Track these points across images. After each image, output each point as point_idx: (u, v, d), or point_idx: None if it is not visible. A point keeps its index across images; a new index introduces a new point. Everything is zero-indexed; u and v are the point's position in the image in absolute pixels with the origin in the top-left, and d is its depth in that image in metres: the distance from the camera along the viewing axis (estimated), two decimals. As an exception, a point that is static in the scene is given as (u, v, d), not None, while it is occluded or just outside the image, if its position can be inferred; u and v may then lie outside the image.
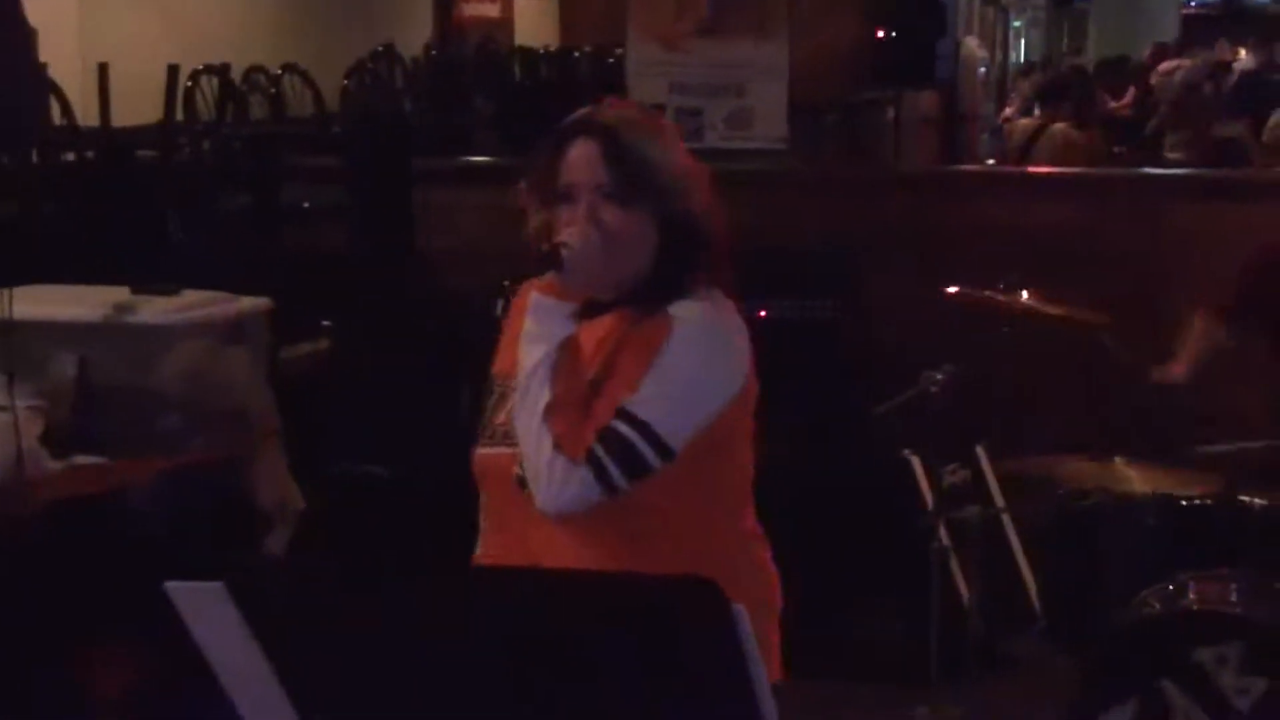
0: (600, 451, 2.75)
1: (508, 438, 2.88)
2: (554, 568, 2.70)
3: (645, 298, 2.89)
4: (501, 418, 2.93)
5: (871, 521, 5.49)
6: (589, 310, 2.89)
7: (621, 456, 2.75)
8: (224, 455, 5.02)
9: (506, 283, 2.86)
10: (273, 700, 2.07)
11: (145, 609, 2.27)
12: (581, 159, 2.87)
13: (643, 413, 2.77)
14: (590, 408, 2.80)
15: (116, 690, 4.45)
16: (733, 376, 2.89)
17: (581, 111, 2.96)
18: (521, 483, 2.83)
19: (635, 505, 2.81)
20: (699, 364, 2.84)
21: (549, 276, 2.81)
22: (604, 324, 2.90)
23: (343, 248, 7.14)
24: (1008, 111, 15.57)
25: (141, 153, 7.81)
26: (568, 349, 2.83)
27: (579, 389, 2.82)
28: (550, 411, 2.78)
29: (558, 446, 2.75)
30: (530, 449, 2.79)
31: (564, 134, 2.92)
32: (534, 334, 2.83)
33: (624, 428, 2.76)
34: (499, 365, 3.02)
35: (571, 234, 2.82)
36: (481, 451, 2.96)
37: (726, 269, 2.96)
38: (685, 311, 2.85)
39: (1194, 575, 4.20)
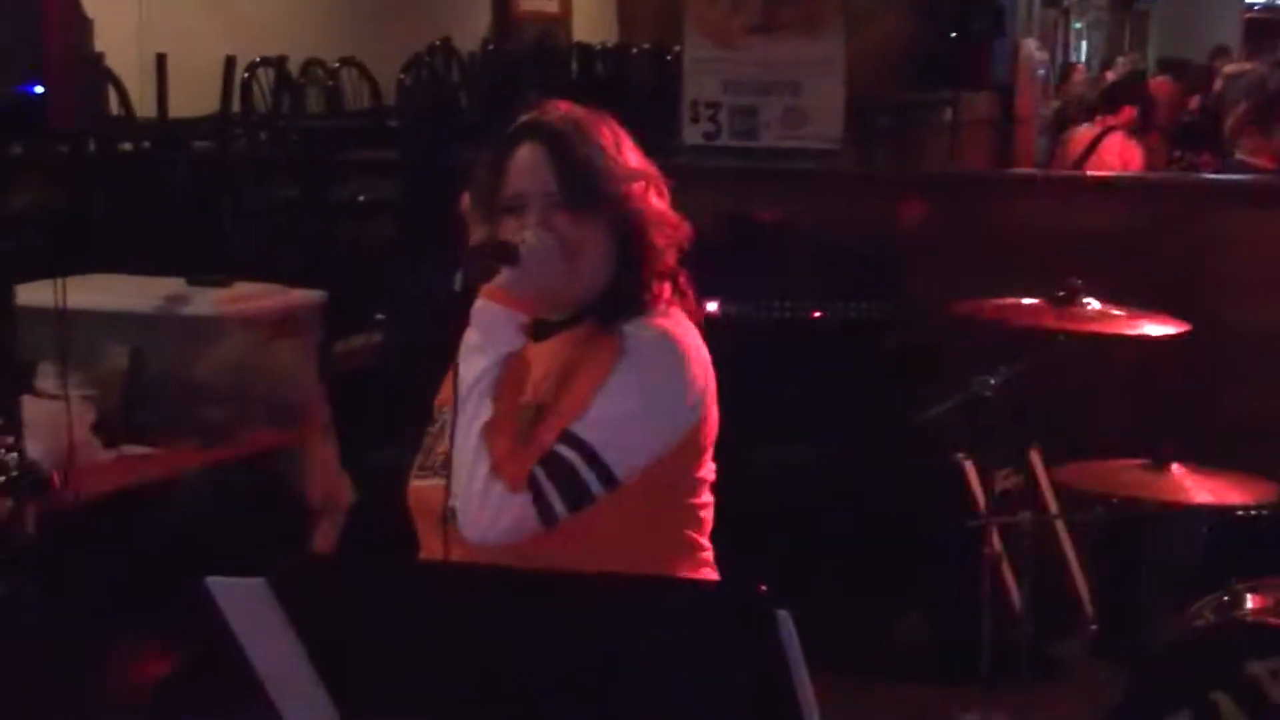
0: (541, 476, 2.53)
1: (446, 468, 2.62)
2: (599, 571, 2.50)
3: (600, 315, 2.67)
4: (442, 448, 2.67)
5: (923, 525, 5.46)
6: (539, 331, 2.69)
7: (563, 483, 2.53)
8: (273, 448, 5.02)
9: (459, 274, 2.57)
10: (314, 699, 2.05)
11: (186, 602, 2.26)
12: (528, 166, 2.68)
13: (588, 436, 2.54)
14: (534, 433, 2.58)
15: (150, 683, 4.45)
16: (689, 405, 2.65)
17: (526, 116, 2.75)
18: (446, 517, 2.59)
19: (565, 543, 2.56)
20: (652, 388, 2.61)
21: (499, 280, 2.59)
22: (554, 345, 2.70)
23: (396, 241, 7.15)
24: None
25: (198, 143, 7.83)
26: (514, 366, 2.61)
27: (522, 410, 2.60)
28: (489, 431, 2.55)
29: (495, 470, 2.52)
30: (464, 470, 2.55)
31: (507, 141, 2.72)
32: (478, 345, 2.59)
33: (567, 451, 2.54)
34: (443, 396, 2.79)
35: (527, 234, 2.62)
36: (416, 484, 2.75)
37: (688, 280, 2.76)
38: (640, 331, 2.64)
39: (1249, 586, 4.14)
